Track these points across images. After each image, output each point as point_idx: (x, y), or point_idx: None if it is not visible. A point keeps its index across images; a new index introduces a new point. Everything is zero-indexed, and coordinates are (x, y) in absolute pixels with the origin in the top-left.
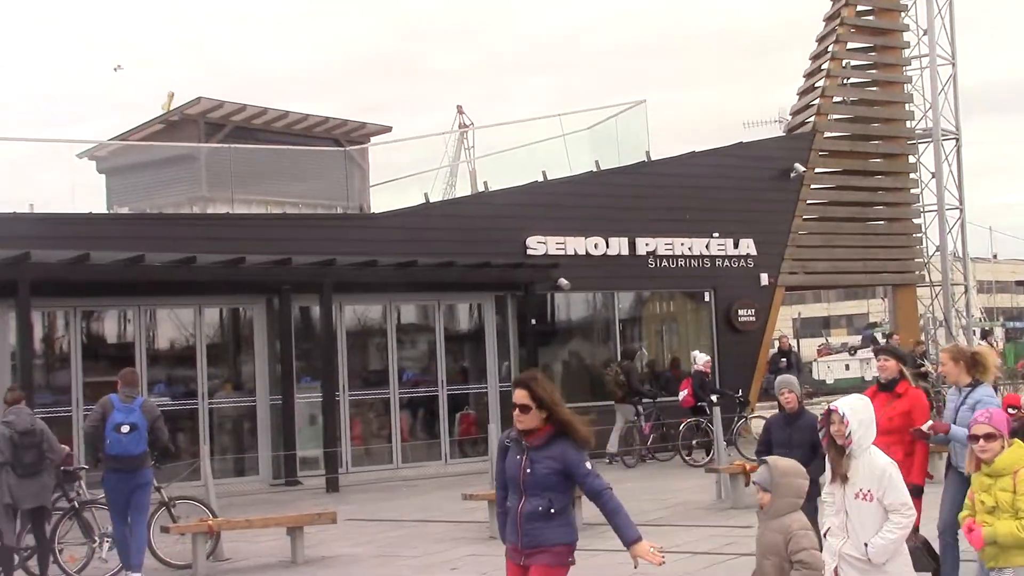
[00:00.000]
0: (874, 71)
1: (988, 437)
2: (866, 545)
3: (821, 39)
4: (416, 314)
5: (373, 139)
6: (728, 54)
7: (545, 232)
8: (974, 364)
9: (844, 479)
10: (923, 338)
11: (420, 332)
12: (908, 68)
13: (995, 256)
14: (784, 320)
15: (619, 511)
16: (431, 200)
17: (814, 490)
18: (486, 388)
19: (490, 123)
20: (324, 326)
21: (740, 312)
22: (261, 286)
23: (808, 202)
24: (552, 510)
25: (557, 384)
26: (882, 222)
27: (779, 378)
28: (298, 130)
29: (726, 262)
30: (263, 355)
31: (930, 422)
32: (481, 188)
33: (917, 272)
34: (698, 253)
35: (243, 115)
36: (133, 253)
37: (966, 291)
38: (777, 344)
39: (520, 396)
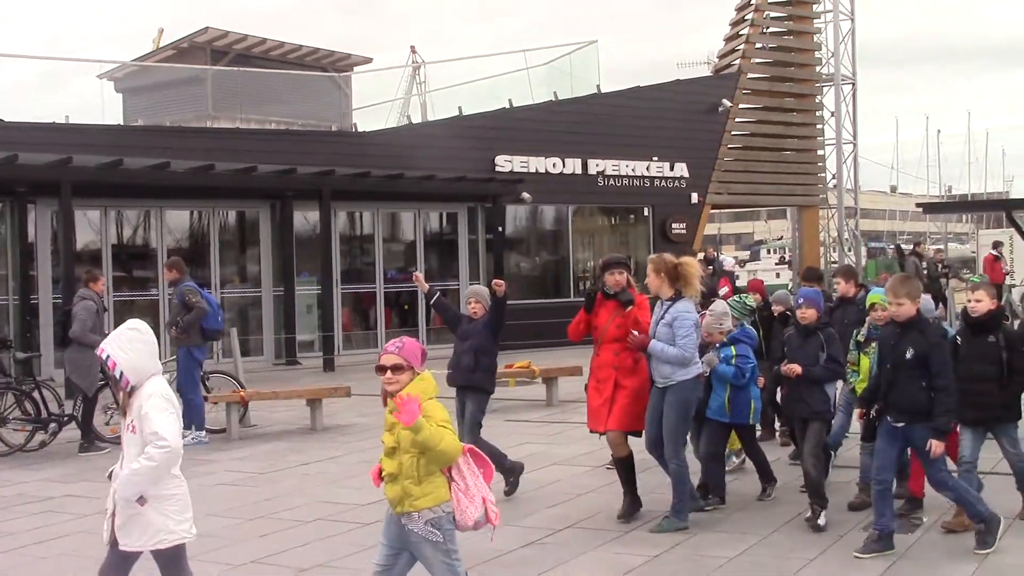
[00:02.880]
0: (790, 23)
1: (396, 368)
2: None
3: None
4: (400, 221)
5: (356, 68)
6: (664, 4)
7: (511, 152)
8: (677, 277)
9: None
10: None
11: (402, 237)
12: (817, 21)
13: (893, 189)
14: None
15: None
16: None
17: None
18: (458, 285)
19: (457, 56)
20: (323, 228)
21: (674, 225)
22: (268, 192)
23: (732, 133)
24: None
25: (519, 284)
26: (793, 152)
27: None
28: (292, 59)
29: (662, 182)
30: (267, 253)
31: (635, 332)
32: (431, 118)
33: (819, 196)
34: (640, 174)
35: (245, 44)
36: (159, 160)
37: (856, 214)
38: (703, 254)
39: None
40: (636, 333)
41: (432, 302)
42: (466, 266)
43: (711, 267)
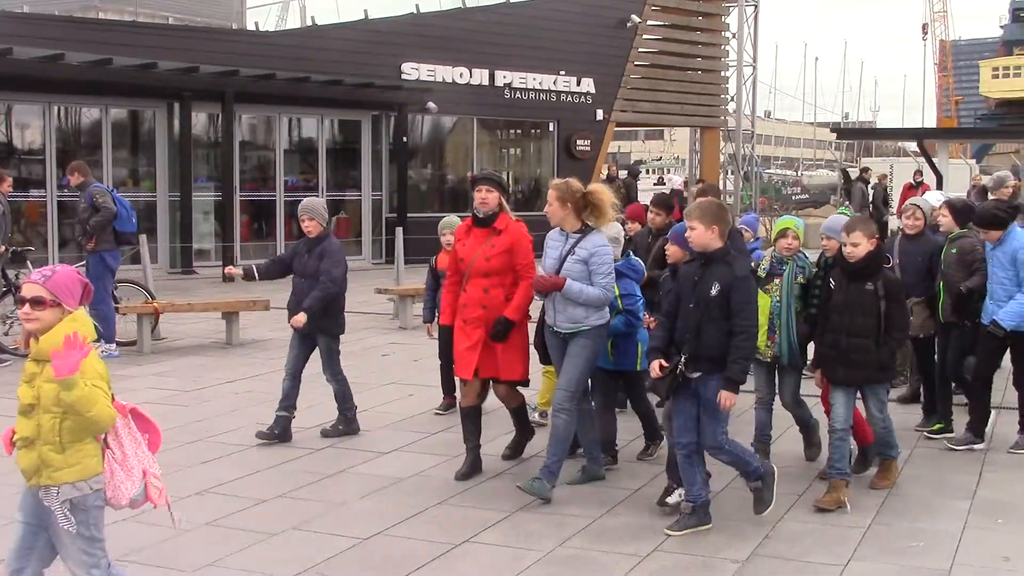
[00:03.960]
0: None
1: (36, 303)
2: None
3: None
4: (302, 127)
5: None
6: None
7: (418, 60)
8: (585, 206)
9: None
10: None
11: (304, 144)
12: None
13: (768, 114)
14: None
15: None
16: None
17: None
18: (360, 196)
19: None
20: (224, 132)
21: (578, 142)
22: (166, 92)
23: (640, 50)
24: None
25: (420, 197)
26: (698, 72)
27: None
28: None
29: (569, 97)
30: (163, 156)
31: (541, 272)
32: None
33: (721, 117)
34: (546, 88)
35: None
36: (51, 51)
37: (752, 136)
38: (606, 171)
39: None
40: (543, 273)
41: (259, 278)
42: (368, 176)
43: (611, 184)
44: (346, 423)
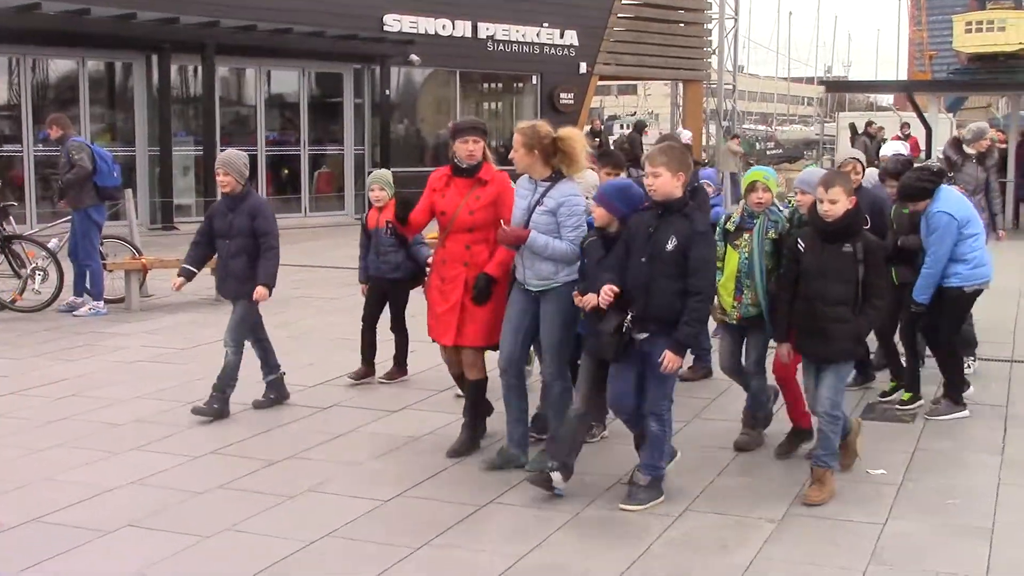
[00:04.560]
0: None
1: None
2: None
3: None
4: (283, 81)
5: None
6: None
7: (400, 11)
8: (555, 152)
9: None
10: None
11: (286, 98)
12: None
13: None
14: None
15: None
16: None
17: None
18: (343, 151)
19: None
20: (205, 85)
21: (562, 95)
22: (145, 43)
23: (623, 2)
24: None
25: (403, 151)
26: (681, 24)
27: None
28: None
29: (552, 50)
30: (142, 110)
31: (503, 224)
32: None
33: (704, 71)
34: (529, 40)
35: None
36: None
37: (734, 91)
38: (590, 125)
39: None
40: (505, 225)
41: (199, 269)
42: (351, 131)
43: (597, 139)
44: (277, 390)
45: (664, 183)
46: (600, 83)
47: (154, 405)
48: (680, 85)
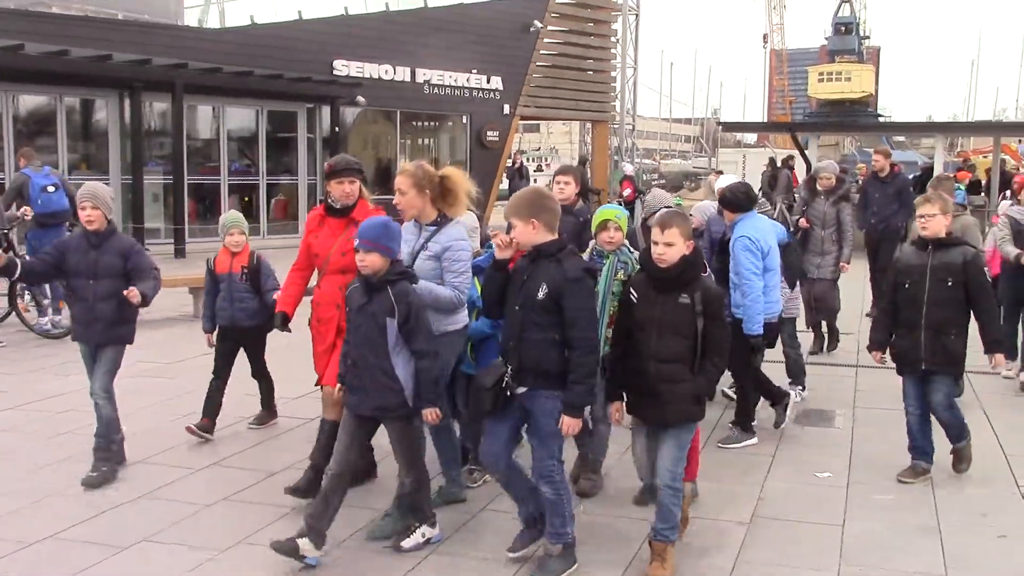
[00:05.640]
0: None
1: None
2: None
3: None
4: (245, 116)
5: None
6: None
7: (348, 58)
8: (443, 192)
9: None
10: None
11: (246, 132)
12: None
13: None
14: None
15: None
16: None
17: None
18: (296, 180)
19: None
20: (175, 120)
21: (488, 133)
22: (119, 82)
23: (541, 52)
24: None
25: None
26: (591, 72)
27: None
28: None
29: (480, 93)
30: (116, 142)
31: None
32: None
33: (609, 113)
34: (460, 84)
35: None
36: (12, 42)
37: (633, 130)
38: (512, 160)
39: None
40: None
41: (19, 275)
42: (304, 162)
43: (518, 172)
44: (116, 455)
45: (520, 233)
46: (573, 120)
47: (149, 419)
48: (589, 124)
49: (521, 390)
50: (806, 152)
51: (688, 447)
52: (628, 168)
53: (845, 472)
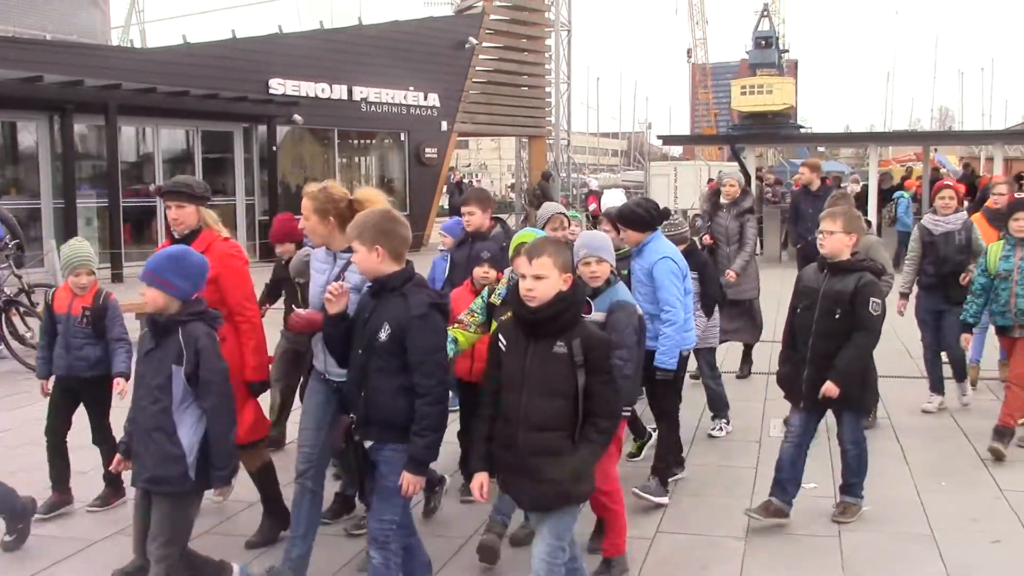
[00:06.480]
0: None
1: None
2: None
3: None
4: (181, 137)
5: None
6: None
7: (284, 76)
8: (352, 216)
9: None
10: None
11: (181, 154)
12: None
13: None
14: None
15: None
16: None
17: None
18: (234, 201)
19: None
20: (109, 142)
21: (426, 150)
22: (49, 104)
23: (477, 68)
24: None
25: (290, 200)
26: (526, 88)
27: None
28: None
29: (417, 111)
30: (47, 165)
31: (297, 309)
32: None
33: (546, 128)
34: (398, 102)
35: None
36: None
37: (568, 145)
38: (451, 175)
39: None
40: (299, 310)
41: None
42: (241, 183)
43: (458, 187)
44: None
45: (360, 260)
46: (508, 136)
47: None
48: (525, 140)
49: (368, 443)
50: (744, 163)
51: (569, 535)
52: (594, 183)
53: (830, 483)
